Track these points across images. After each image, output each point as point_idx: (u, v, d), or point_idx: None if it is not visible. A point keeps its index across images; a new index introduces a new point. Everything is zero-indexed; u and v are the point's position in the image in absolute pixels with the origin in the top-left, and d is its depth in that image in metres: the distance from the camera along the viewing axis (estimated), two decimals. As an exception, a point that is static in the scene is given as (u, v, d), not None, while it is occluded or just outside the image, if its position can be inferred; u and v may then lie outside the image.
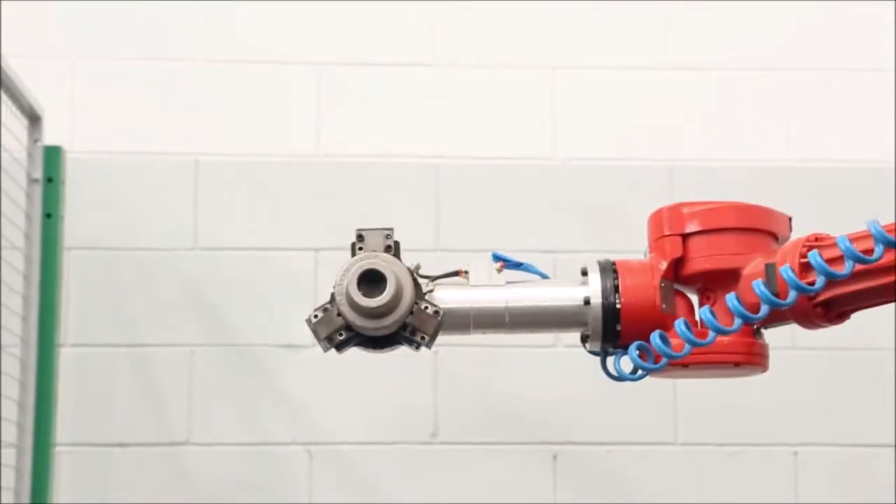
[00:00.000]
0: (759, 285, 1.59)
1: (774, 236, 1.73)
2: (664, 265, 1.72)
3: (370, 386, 3.40)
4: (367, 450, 3.41)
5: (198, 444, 3.38)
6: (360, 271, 1.65)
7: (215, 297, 3.43)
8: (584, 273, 1.74)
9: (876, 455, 3.42)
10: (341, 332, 1.67)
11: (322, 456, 3.39)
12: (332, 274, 1.66)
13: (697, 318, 1.73)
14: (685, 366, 1.68)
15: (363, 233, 1.71)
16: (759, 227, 1.72)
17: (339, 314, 1.66)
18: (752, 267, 1.68)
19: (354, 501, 3.39)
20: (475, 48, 3.58)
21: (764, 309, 1.58)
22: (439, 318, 1.68)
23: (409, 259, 1.70)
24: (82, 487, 3.35)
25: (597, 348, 1.73)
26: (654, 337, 1.64)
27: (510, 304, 1.73)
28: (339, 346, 1.68)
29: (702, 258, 1.71)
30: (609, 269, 1.72)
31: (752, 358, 1.70)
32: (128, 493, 3.36)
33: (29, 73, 3.13)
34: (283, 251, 3.46)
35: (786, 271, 1.58)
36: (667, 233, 1.73)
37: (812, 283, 1.57)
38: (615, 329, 1.69)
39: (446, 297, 1.72)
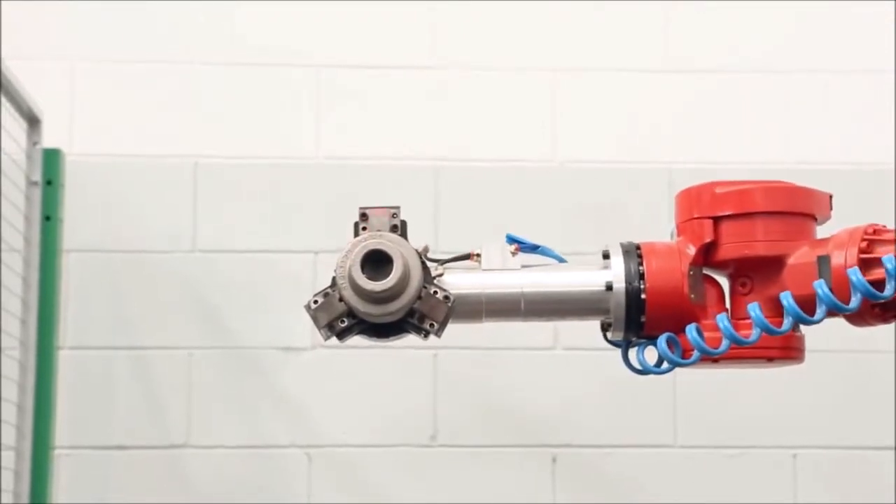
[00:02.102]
0: (821, 286, 1.37)
1: (814, 218, 1.49)
2: (693, 250, 1.48)
3: (369, 388, 3.28)
4: (366, 452, 3.27)
5: (197, 447, 3.25)
6: (364, 252, 1.41)
7: (215, 299, 3.30)
8: (606, 256, 1.51)
9: (876, 457, 3.27)
10: (343, 318, 1.43)
11: (321, 458, 3.26)
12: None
13: (727, 305, 1.50)
14: (715, 360, 1.44)
15: (367, 211, 1.46)
16: (801, 211, 1.48)
17: (342, 299, 1.42)
18: (799, 256, 1.45)
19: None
20: (475, 49, 3.44)
21: (821, 311, 1.36)
22: (449, 304, 1.44)
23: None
24: (81, 490, 3.22)
25: (619, 338, 1.50)
26: (691, 330, 1.41)
27: (526, 290, 1.50)
28: (341, 335, 1.44)
29: (737, 244, 1.47)
30: (633, 252, 1.49)
31: (788, 352, 1.48)
32: (127, 495, 3.23)
33: (28, 76, 3.02)
34: (282, 253, 3.31)
35: (854, 273, 1.35)
36: (696, 215, 1.49)
37: (880, 286, 1.35)
38: (639, 317, 1.46)
39: (457, 281, 1.48)
